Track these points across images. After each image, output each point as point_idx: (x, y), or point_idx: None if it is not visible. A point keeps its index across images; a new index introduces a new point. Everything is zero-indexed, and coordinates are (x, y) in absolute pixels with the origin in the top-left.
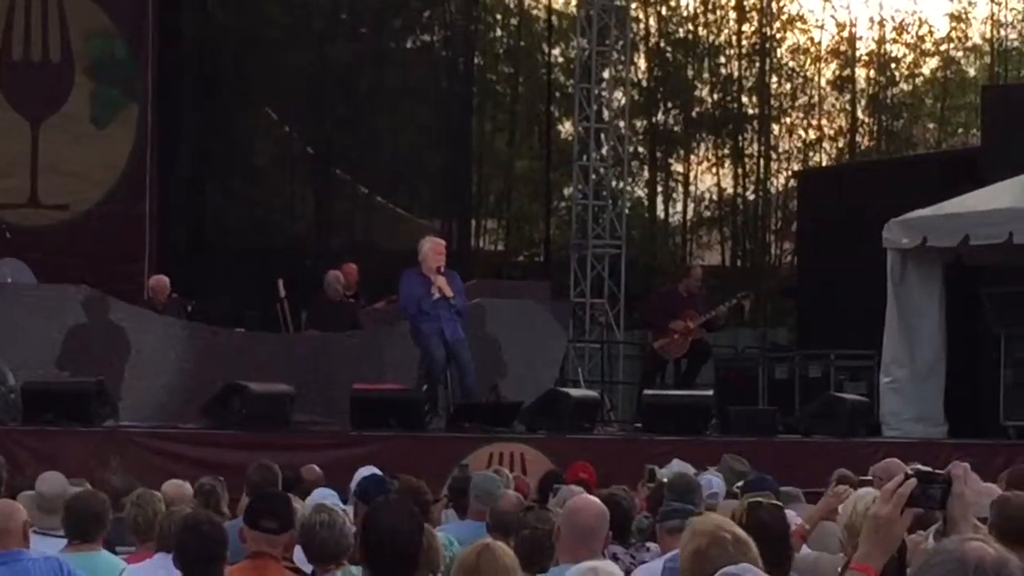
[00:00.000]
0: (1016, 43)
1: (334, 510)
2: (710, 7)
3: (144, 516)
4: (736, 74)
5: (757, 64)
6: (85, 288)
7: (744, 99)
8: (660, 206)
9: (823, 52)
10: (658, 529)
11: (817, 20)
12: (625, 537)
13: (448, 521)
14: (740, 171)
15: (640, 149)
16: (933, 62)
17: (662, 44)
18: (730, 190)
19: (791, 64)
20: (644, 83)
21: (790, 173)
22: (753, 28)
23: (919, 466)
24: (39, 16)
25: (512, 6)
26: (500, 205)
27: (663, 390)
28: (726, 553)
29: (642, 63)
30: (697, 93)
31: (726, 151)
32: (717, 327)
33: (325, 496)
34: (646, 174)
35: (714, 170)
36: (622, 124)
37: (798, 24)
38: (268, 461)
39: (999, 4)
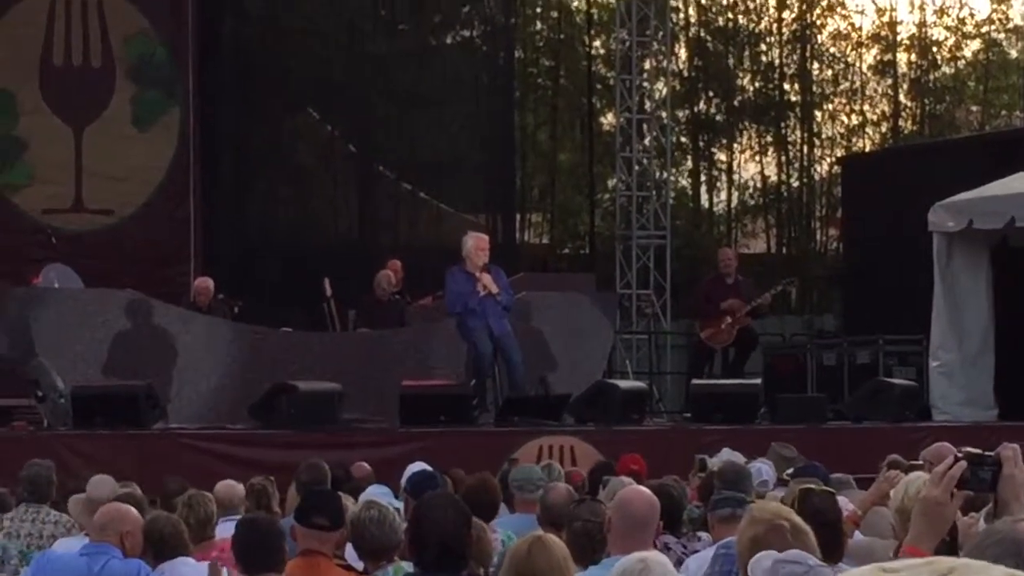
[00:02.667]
0: None
1: (384, 506)
2: None
3: (196, 517)
4: (777, 61)
5: (798, 51)
6: (129, 292)
7: (786, 86)
8: (704, 195)
9: (864, 37)
10: (709, 518)
11: (857, 5)
12: (677, 527)
13: (500, 515)
14: (783, 158)
15: (683, 139)
16: (975, 44)
17: (702, 33)
18: (774, 178)
19: (832, 50)
20: (685, 73)
21: (834, 159)
22: (793, 15)
23: (969, 449)
24: (79, 21)
25: None
26: (544, 198)
27: (711, 379)
28: (784, 541)
29: (683, 53)
30: (739, 81)
31: (769, 139)
32: (763, 314)
33: (378, 493)
34: (689, 164)
35: (757, 158)
36: (664, 114)
37: (838, 10)
38: (318, 460)
39: None
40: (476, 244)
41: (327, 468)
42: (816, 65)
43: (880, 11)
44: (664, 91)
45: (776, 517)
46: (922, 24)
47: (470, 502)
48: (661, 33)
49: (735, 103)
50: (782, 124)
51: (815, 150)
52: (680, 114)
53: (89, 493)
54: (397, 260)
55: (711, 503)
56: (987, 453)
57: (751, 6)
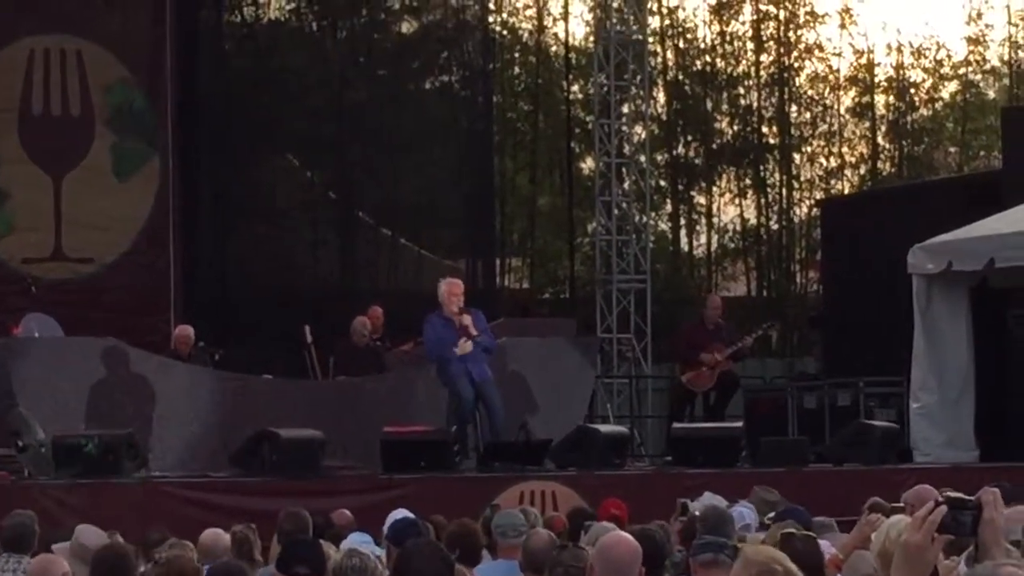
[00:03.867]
0: None
1: (366, 554)
2: (727, 39)
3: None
4: (755, 104)
5: (776, 94)
6: (106, 340)
7: (764, 129)
8: (684, 239)
9: (842, 80)
10: (691, 563)
11: (835, 48)
12: (659, 572)
13: (483, 562)
14: (763, 201)
15: (662, 182)
16: (952, 86)
17: (680, 77)
18: (753, 220)
19: (810, 93)
20: (664, 116)
21: (813, 202)
22: (771, 58)
23: (950, 493)
24: (58, 70)
25: (529, 44)
26: (524, 243)
27: (692, 423)
28: None
29: (661, 97)
30: (717, 125)
31: (748, 182)
32: (744, 357)
33: (360, 541)
34: (669, 207)
35: (736, 201)
36: (643, 158)
37: (816, 53)
38: (298, 508)
39: (1017, 26)
40: (448, 290)
41: (308, 516)
42: (794, 108)
43: (858, 53)
44: (643, 135)
45: (771, 561)
46: (899, 66)
47: (452, 548)
48: (639, 77)
49: (714, 146)
50: (761, 167)
51: (794, 193)
52: (659, 158)
53: (79, 540)
54: (378, 307)
55: (693, 548)
56: (968, 497)
57: (729, 50)
